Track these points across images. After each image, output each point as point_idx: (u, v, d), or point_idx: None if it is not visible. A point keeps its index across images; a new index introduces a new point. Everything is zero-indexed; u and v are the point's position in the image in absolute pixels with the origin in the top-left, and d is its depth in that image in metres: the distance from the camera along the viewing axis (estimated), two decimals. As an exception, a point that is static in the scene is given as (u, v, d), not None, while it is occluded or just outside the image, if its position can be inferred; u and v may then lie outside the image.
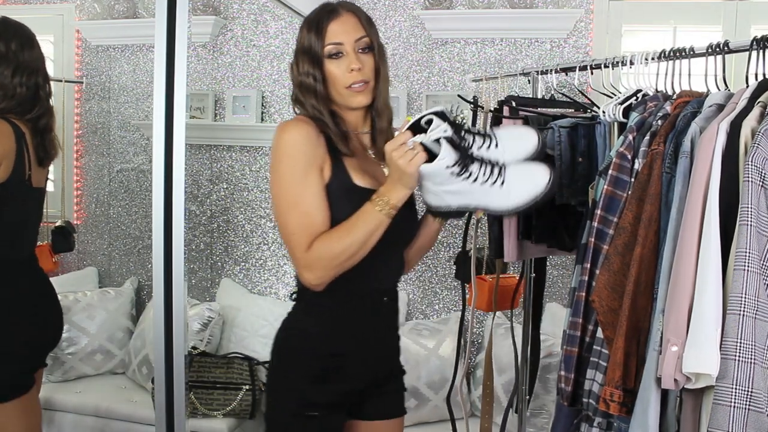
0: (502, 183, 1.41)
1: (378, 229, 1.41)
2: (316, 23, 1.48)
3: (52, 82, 2.06)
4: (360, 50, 1.48)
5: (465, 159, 1.38)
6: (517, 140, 1.47)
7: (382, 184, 1.46)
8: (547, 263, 2.24)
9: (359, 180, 1.48)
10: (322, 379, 1.52)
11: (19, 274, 1.93)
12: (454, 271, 2.48)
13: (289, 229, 1.43)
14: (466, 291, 2.26)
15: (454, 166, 1.37)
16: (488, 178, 1.40)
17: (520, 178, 1.42)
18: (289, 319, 1.59)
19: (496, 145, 1.44)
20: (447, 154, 1.36)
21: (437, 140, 1.36)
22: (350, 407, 1.61)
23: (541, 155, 1.48)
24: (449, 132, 1.36)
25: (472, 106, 2.14)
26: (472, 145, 1.41)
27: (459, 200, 1.44)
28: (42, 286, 2.01)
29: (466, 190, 1.41)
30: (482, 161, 1.41)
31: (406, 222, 1.54)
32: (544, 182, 1.41)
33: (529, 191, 1.42)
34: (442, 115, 1.38)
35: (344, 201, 1.45)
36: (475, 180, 1.40)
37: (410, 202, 1.46)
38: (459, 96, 2.36)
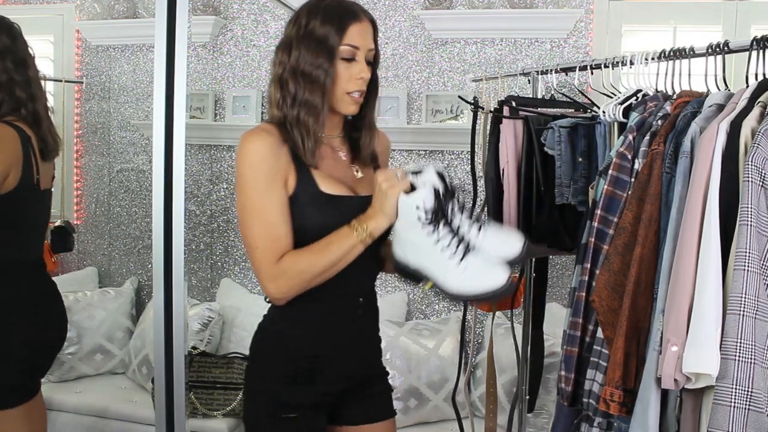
0: (460, 261, 1.38)
1: (351, 254, 1.41)
2: (338, 18, 1.42)
3: (52, 82, 2.04)
4: (367, 61, 1.46)
5: (438, 216, 1.38)
6: (501, 239, 1.46)
7: (352, 189, 1.47)
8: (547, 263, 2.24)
9: (326, 187, 1.45)
10: (298, 380, 1.51)
11: (26, 276, 1.92)
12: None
13: (254, 241, 1.41)
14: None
15: (423, 211, 1.36)
16: (449, 249, 1.38)
17: (478, 269, 1.39)
18: (265, 321, 1.59)
19: (478, 230, 1.43)
20: (423, 197, 1.36)
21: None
22: (332, 411, 1.59)
23: (518, 264, 1.47)
24: (438, 185, 1.38)
25: (472, 106, 2.13)
26: (454, 215, 1.41)
27: (416, 258, 1.41)
28: (48, 289, 2.00)
29: (426, 250, 1.39)
30: (455, 233, 1.40)
31: None
32: (497, 285, 1.37)
33: (480, 285, 1.38)
34: (440, 175, 1.40)
35: (312, 209, 1.44)
36: (437, 242, 1.38)
37: None
38: (460, 97, 2.35)
